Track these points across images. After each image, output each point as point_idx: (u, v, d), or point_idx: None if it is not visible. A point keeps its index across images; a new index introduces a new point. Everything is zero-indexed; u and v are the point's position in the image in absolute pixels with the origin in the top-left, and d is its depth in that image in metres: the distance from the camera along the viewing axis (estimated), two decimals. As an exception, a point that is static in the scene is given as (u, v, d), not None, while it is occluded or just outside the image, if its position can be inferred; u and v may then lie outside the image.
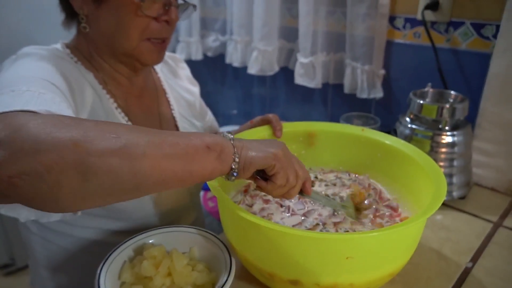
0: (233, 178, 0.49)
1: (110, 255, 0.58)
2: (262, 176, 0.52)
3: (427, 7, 1.01)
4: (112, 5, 0.65)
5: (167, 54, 0.91)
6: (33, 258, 0.81)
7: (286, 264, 0.50)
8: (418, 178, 0.63)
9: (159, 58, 0.74)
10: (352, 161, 0.76)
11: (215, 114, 1.03)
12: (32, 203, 0.40)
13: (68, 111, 0.53)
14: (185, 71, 0.97)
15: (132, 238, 0.61)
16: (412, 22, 1.09)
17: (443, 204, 0.85)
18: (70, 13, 0.70)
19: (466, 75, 1.02)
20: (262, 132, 0.75)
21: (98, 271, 0.55)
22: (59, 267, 0.77)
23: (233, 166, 0.48)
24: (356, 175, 0.75)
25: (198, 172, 0.45)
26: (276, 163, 0.49)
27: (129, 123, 0.72)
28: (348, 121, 0.98)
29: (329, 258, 0.48)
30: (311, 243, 0.47)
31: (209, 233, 0.63)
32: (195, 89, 0.97)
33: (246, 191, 0.70)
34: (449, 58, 1.04)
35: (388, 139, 0.71)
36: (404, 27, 1.11)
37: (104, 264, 0.56)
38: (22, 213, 0.54)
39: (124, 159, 0.40)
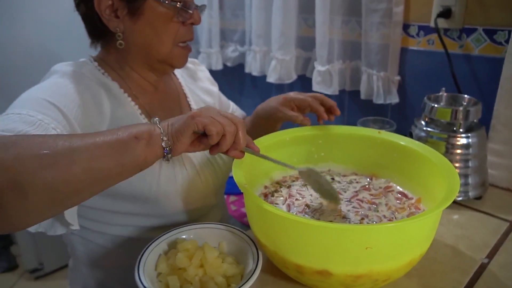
0: (170, 156, 0.55)
1: (146, 249, 0.63)
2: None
3: (440, 15, 1.05)
4: (148, 16, 0.72)
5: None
6: (74, 256, 0.87)
7: (312, 255, 0.54)
8: (432, 175, 0.66)
9: (186, 61, 0.81)
10: (370, 162, 0.80)
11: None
12: None
13: (51, 131, 0.58)
14: (204, 72, 1.03)
15: (165, 233, 0.67)
16: (425, 29, 1.13)
17: (459, 203, 0.89)
18: (101, 33, 0.76)
19: (479, 80, 1.05)
20: (288, 134, 0.80)
21: (137, 263, 0.60)
22: (98, 264, 0.83)
23: (164, 145, 0.53)
24: (373, 179, 0.79)
25: (132, 163, 0.51)
26: (196, 119, 0.54)
27: None
28: (365, 125, 1.02)
29: (350, 248, 0.52)
30: (333, 233, 0.52)
31: (237, 229, 0.68)
32: (215, 88, 1.03)
33: (266, 196, 0.75)
34: (462, 64, 1.07)
35: (403, 140, 0.75)
36: (418, 34, 1.15)
37: (141, 257, 0.61)
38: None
39: (55, 171, 0.45)
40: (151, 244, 0.64)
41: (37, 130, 0.56)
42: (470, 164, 0.88)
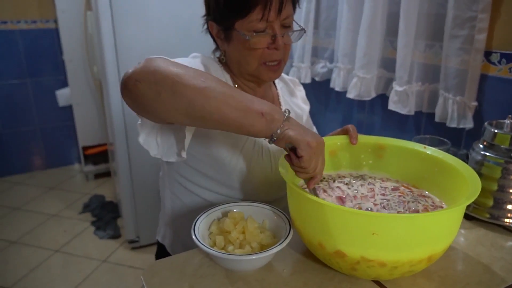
0: (272, 142, 0.69)
1: (204, 213, 0.79)
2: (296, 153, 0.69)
3: (521, 43, 1.05)
4: (235, 43, 0.90)
5: (289, 77, 1.16)
6: (163, 210, 1.09)
7: (328, 235, 0.64)
8: (463, 189, 0.71)
9: (276, 76, 0.95)
10: (413, 174, 0.85)
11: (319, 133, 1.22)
12: (140, 101, 0.69)
13: None
14: (301, 92, 1.18)
15: (221, 204, 0.82)
16: (508, 57, 1.13)
17: (509, 229, 0.89)
18: (218, 46, 0.99)
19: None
20: (340, 140, 0.90)
21: (195, 221, 0.76)
22: (178, 219, 1.03)
23: (273, 135, 0.68)
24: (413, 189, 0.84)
25: (247, 127, 0.68)
26: (305, 149, 0.66)
27: None
28: (421, 142, 1.05)
29: (357, 231, 0.61)
30: (344, 215, 0.61)
31: (279, 210, 0.80)
32: (306, 107, 1.17)
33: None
34: (544, 94, 1.05)
35: (445, 157, 0.80)
36: (499, 62, 1.15)
37: (199, 217, 0.78)
38: (152, 149, 0.82)
39: (201, 94, 0.66)
40: (208, 210, 0.80)
41: None
42: (527, 192, 0.87)
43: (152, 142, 0.83)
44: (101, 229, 2.50)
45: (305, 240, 0.73)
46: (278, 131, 0.67)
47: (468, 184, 0.70)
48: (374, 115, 1.63)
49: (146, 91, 0.68)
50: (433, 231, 0.62)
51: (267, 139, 0.70)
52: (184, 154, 0.83)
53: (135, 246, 2.31)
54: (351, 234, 0.62)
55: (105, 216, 2.62)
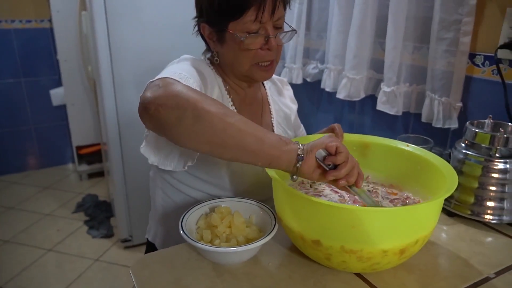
0: (300, 162, 0.67)
1: (192, 207, 0.81)
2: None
3: (504, 46, 1.08)
4: (229, 44, 0.91)
5: (277, 77, 1.19)
6: (153, 209, 1.10)
7: (308, 226, 0.67)
8: (442, 186, 0.74)
9: (268, 76, 0.97)
10: (397, 173, 0.88)
11: (308, 133, 1.24)
12: (162, 126, 0.70)
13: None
14: (288, 92, 1.21)
15: (210, 200, 0.84)
16: (491, 60, 1.16)
17: (490, 226, 0.92)
18: (209, 48, 1.00)
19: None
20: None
21: (182, 216, 0.78)
22: (170, 218, 1.04)
23: (299, 152, 0.67)
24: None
25: (264, 152, 0.67)
26: (333, 140, 0.67)
27: None
28: (405, 141, 1.08)
29: (338, 224, 0.63)
30: (326, 209, 0.64)
31: (266, 206, 0.83)
32: (294, 106, 1.20)
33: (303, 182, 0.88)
34: (525, 95, 1.08)
35: (426, 155, 0.83)
36: (483, 64, 1.18)
37: (187, 212, 0.80)
38: (150, 157, 0.85)
39: (221, 120, 0.67)
40: (197, 205, 0.82)
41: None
42: (506, 189, 0.90)
43: (150, 151, 0.86)
44: (94, 228, 2.51)
45: (289, 233, 0.75)
46: (300, 147, 0.68)
47: (446, 180, 0.73)
48: (364, 115, 1.66)
49: (169, 116, 0.68)
50: (408, 225, 0.65)
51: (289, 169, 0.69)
52: (186, 167, 0.86)
53: (128, 245, 2.33)
54: (332, 227, 0.65)
55: (98, 215, 2.63)
